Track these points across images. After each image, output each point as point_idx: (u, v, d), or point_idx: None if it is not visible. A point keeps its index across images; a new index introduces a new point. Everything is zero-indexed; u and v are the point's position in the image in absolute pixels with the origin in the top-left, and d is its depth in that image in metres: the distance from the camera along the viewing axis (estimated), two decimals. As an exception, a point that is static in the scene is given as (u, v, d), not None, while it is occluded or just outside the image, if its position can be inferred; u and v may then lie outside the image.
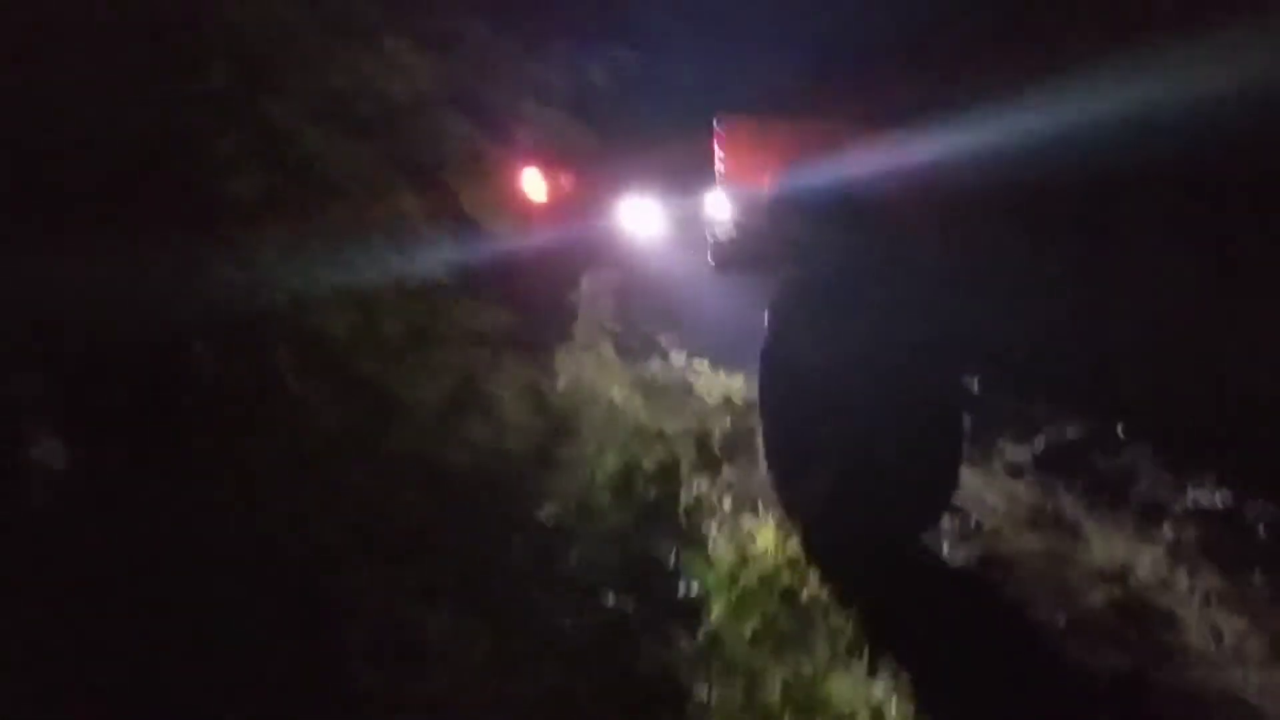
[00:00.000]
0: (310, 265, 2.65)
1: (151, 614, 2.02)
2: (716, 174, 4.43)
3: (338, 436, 2.60)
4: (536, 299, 4.88)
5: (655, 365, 5.81)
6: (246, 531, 2.24)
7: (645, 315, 6.33)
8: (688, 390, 5.52)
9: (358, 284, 2.69)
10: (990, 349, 3.37)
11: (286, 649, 2.10)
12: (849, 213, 3.51)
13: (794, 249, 4.00)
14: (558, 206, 7.17)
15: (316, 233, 2.67)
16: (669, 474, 2.99)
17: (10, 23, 2.64)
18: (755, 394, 5.33)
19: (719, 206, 4.54)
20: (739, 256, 4.35)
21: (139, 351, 2.32)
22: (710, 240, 4.53)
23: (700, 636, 2.64)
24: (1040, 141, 2.53)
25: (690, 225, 7.22)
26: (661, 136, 7.32)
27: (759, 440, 4.24)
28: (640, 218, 7.47)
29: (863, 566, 3.50)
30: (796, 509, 3.80)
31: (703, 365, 5.69)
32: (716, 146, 4.42)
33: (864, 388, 3.37)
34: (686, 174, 6.99)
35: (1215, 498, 3.57)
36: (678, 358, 5.83)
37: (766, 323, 3.90)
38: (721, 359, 5.76)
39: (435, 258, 2.86)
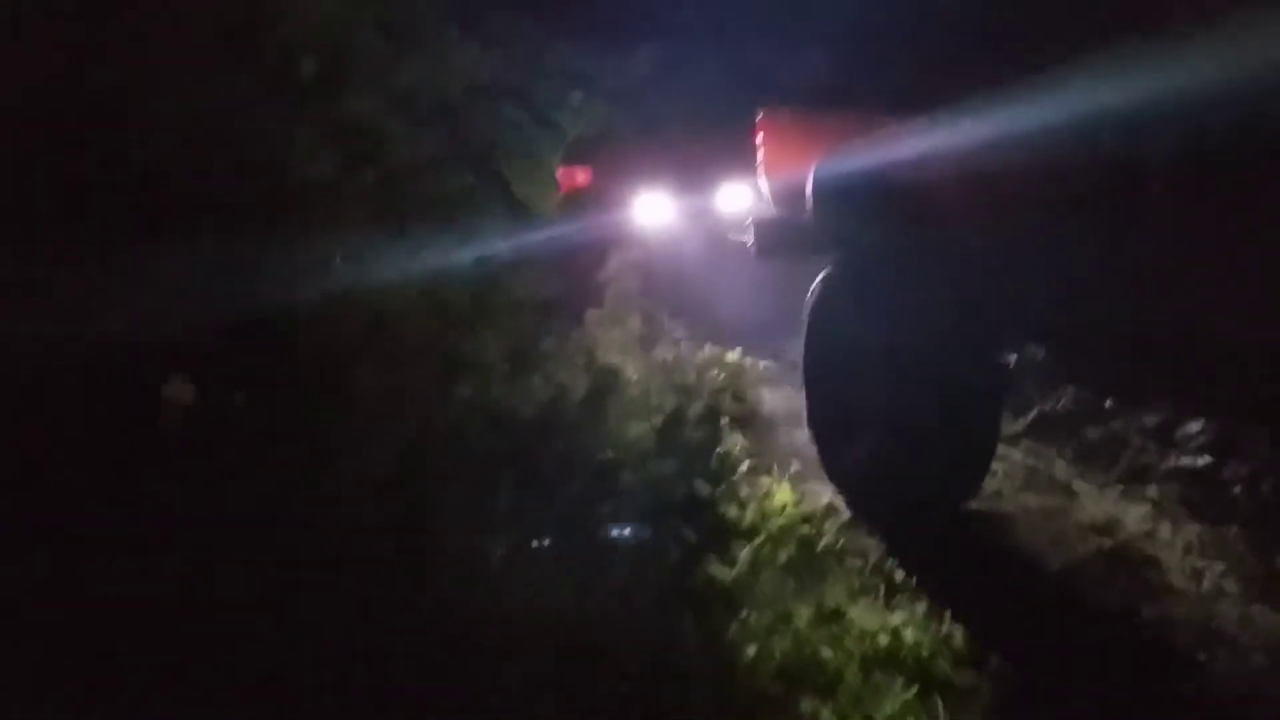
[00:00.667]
0: (383, 243, 2.92)
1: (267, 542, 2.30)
2: (758, 165, 4.63)
3: (415, 394, 2.86)
4: (576, 274, 5.19)
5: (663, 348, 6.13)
6: (347, 472, 2.51)
7: (654, 302, 6.63)
8: (696, 368, 5.84)
9: (426, 259, 2.97)
10: (1026, 326, 3.58)
11: (387, 568, 2.38)
12: (886, 198, 3.67)
13: (835, 235, 4.16)
14: (580, 195, 7.45)
15: (387, 212, 2.94)
16: (711, 422, 3.30)
17: (108, 22, 2.86)
18: (759, 373, 5.71)
19: (760, 196, 4.77)
20: (780, 243, 4.57)
21: (249, 322, 2.58)
22: (750, 228, 4.74)
23: (740, 563, 2.95)
24: (1059, 129, 2.75)
25: (702, 218, 7.54)
26: (679, 131, 7.60)
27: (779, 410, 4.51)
28: (653, 210, 7.76)
29: (877, 523, 3.82)
30: (840, 475, 4.07)
31: (708, 348, 5.99)
32: (758, 139, 4.62)
33: (906, 364, 3.58)
34: (701, 168, 7.30)
35: (1196, 461, 3.88)
36: (685, 343, 6.14)
37: (811, 303, 4.08)
38: (732, 342, 6.09)
39: (493, 234, 3.14)
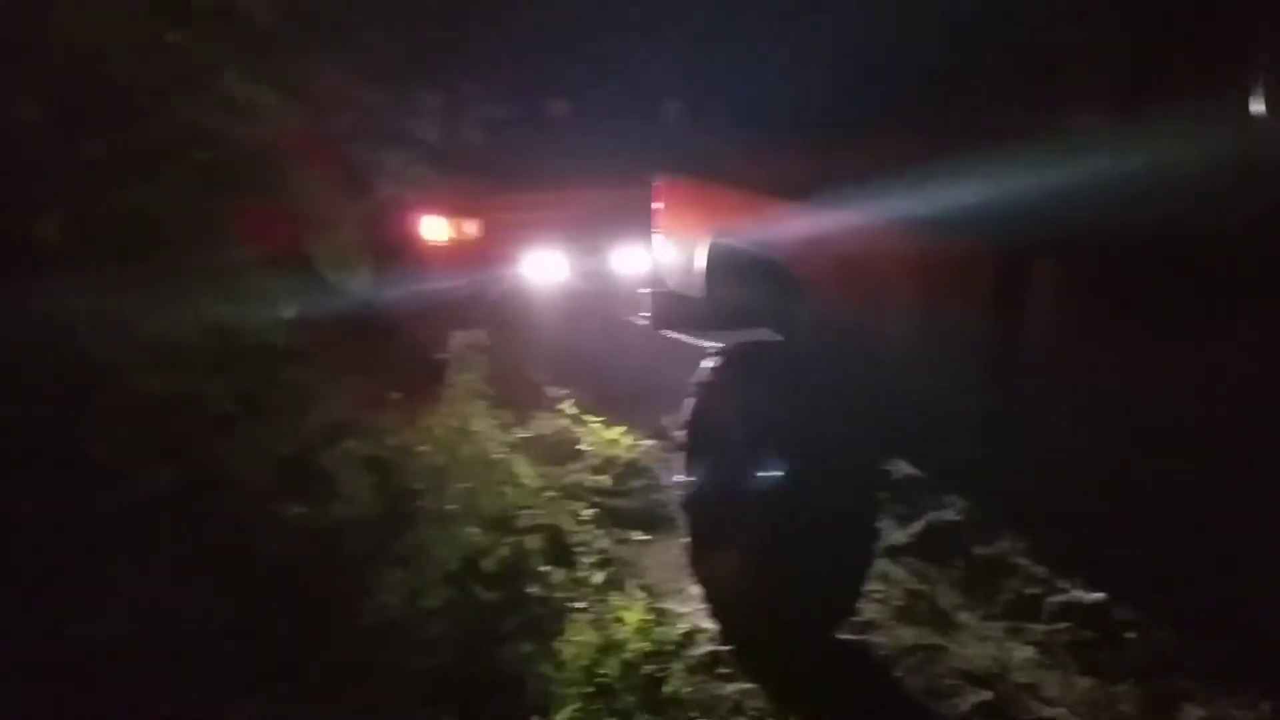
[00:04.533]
0: (126, 316, 2.41)
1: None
2: (654, 233, 4.32)
3: (145, 512, 2.35)
4: (400, 359, 4.67)
5: (544, 420, 5.65)
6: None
7: (542, 367, 6.17)
8: (573, 444, 5.37)
9: (180, 340, 2.45)
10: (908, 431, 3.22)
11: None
12: (773, 282, 3.42)
13: (723, 315, 3.95)
14: (461, 253, 6.97)
15: (135, 283, 2.43)
16: (517, 567, 2.77)
17: None
18: (645, 450, 5.28)
19: (655, 264, 4.44)
20: (675, 318, 4.26)
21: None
22: (649, 298, 4.40)
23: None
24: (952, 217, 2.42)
25: (597, 278, 7.12)
26: (580, 188, 7.20)
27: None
28: (547, 269, 7.32)
29: (740, 655, 3.38)
30: (709, 585, 3.70)
31: (594, 420, 5.54)
32: (655, 205, 4.32)
33: (787, 464, 3.28)
34: (598, 228, 6.90)
35: (1086, 597, 3.50)
36: (570, 411, 5.67)
37: (694, 389, 3.78)
38: (618, 413, 5.62)
39: (276, 316, 2.62)
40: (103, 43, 2.45)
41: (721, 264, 3.73)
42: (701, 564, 3.78)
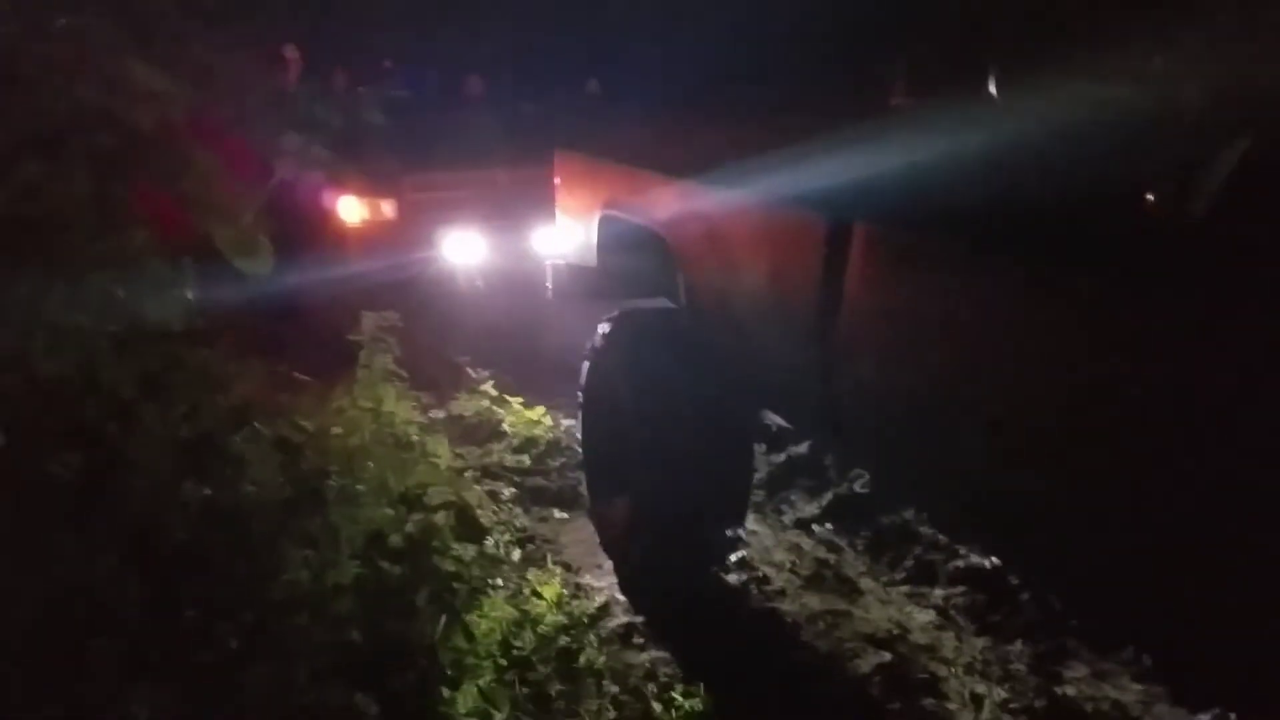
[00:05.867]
0: (24, 300, 2.38)
1: None
2: (556, 206, 4.48)
3: (49, 496, 2.34)
4: (308, 340, 4.66)
5: (463, 400, 5.67)
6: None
7: (461, 347, 6.17)
8: (494, 425, 5.40)
9: (80, 326, 2.43)
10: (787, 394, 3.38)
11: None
12: (654, 253, 3.61)
13: (615, 284, 4.15)
14: (377, 234, 6.93)
15: (33, 266, 2.40)
16: (425, 542, 2.81)
17: None
18: (565, 430, 5.36)
19: (557, 237, 4.55)
20: (572, 287, 4.41)
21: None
22: (549, 270, 4.52)
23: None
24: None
25: (517, 257, 7.13)
26: (496, 168, 7.19)
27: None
28: (466, 248, 7.30)
29: (650, 623, 3.49)
30: (609, 543, 3.96)
31: (514, 399, 5.58)
32: (555, 179, 4.45)
33: (666, 421, 3.48)
34: (517, 206, 6.90)
35: (985, 561, 3.65)
36: (489, 391, 5.70)
37: (587, 355, 3.99)
38: (539, 393, 5.66)
39: (177, 299, 2.61)
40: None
41: (610, 236, 3.94)
42: (599, 518, 4.05)
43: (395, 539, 2.71)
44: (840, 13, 2.82)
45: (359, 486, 2.90)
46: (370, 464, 3.08)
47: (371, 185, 6.59)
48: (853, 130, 2.45)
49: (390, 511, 2.86)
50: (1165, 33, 1.76)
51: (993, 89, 2.01)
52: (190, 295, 2.62)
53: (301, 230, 5.77)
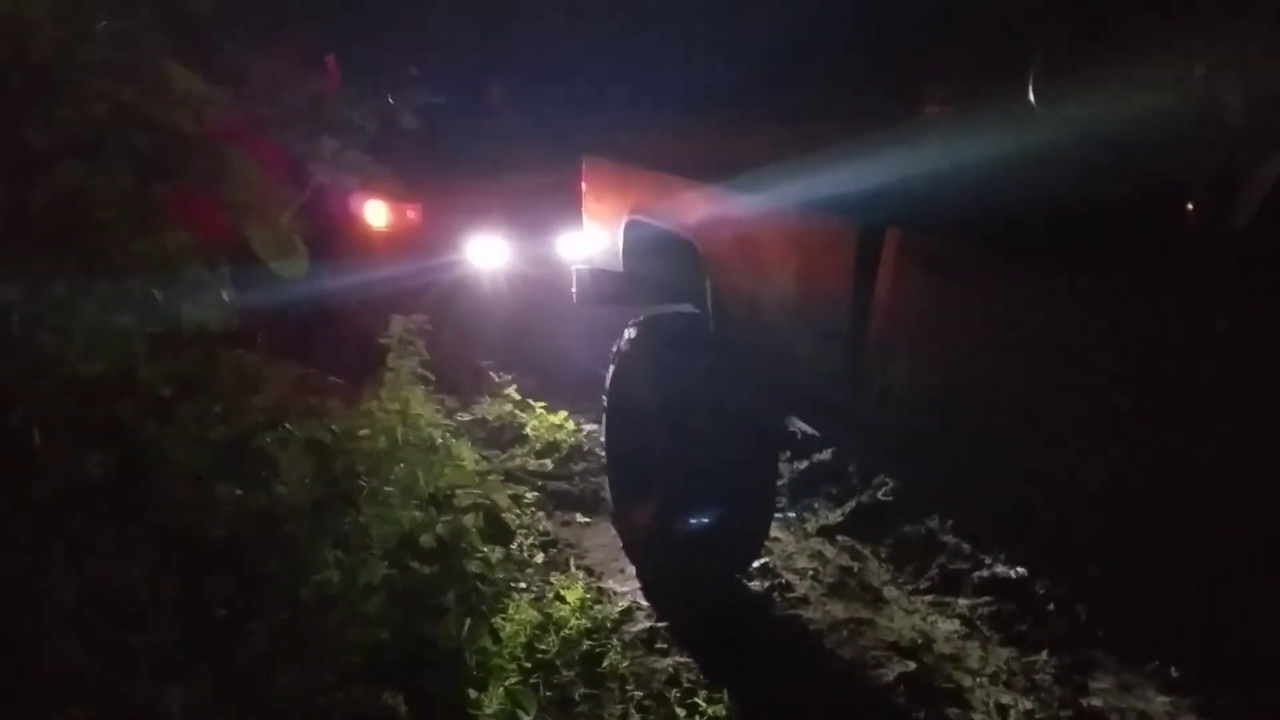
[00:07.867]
0: (63, 301, 2.42)
1: None
2: (583, 212, 4.50)
3: (85, 495, 2.37)
4: (337, 341, 4.69)
5: (487, 404, 5.70)
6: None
7: (487, 352, 6.20)
8: (517, 429, 5.42)
9: (118, 326, 2.46)
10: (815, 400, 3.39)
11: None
12: (682, 258, 3.61)
13: (641, 289, 4.16)
14: (403, 239, 6.95)
15: (72, 267, 2.44)
16: (454, 544, 2.83)
17: None
18: (588, 434, 5.38)
19: (583, 243, 4.57)
20: (597, 292, 4.41)
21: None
22: (574, 275, 4.53)
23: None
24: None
25: (541, 263, 7.14)
26: (520, 174, 7.21)
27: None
28: (490, 254, 7.31)
29: (673, 629, 3.50)
30: (634, 549, 3.97)
31: (537, 403, 5.60)
32: (583, 185, 4.49)
33: (690, 427, 3.50)
34: (541, 212, 6.91)
35: (1010, 571, 3.63)
36: (512, 395, 5.73)
37: (611, 360, 4.02)
38: (562, 398, 5.69)
39: (214, 301, 2.65)
40: (32, 29, 2.44)
41: (637, 241, 3.95)
42: (622, 523, 4.06)
43: (427, 539, 2.73)
44: (874, 18, 2.82)
45: (388, 488, 2.92)
46: (399, 466, 3.10)
47: (398, 189, 6.61)
48: (887, 135, 2.45)
49: (420, 513, 2.88)
50: (1206, 40, 1.76)
51: (1031, 96, 2.01)
52: (227, 296, 2.65)
53: (331, 234, 5.80)
